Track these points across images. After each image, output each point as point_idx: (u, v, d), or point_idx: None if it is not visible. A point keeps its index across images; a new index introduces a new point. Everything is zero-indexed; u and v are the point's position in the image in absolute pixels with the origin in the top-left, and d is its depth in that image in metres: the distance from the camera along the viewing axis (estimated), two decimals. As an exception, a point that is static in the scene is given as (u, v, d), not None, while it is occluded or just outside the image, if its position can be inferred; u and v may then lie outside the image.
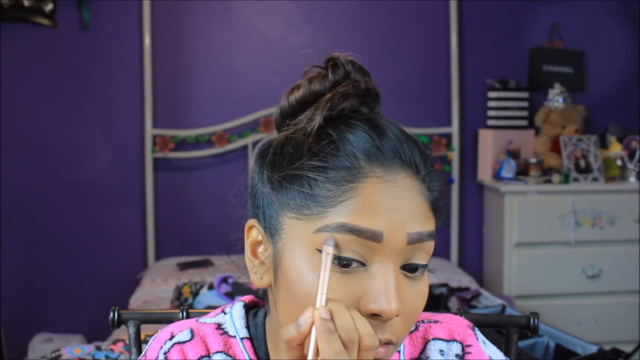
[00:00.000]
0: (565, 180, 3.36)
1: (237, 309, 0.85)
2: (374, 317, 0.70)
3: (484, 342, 0.88)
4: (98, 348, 2.01)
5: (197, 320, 0.84)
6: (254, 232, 0.79)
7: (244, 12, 3.49)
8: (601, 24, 3.68)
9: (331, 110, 0.75)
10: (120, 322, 1.12)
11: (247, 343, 0.81)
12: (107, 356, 1.97)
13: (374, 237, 0.70)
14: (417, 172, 0.74)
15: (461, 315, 1.01)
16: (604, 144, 3.55)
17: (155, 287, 3.01)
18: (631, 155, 3.46)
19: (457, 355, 0.85)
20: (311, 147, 0.74)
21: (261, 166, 0.79)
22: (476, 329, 0.89)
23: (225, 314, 0.85)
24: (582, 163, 3.40)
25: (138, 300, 2.89)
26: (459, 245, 3.65)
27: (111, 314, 1.11)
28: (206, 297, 2.54)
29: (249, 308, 0.86)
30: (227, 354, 0.80)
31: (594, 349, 2.27)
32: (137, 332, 1.12)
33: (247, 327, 0.83)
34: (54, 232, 3.40)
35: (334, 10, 3.53)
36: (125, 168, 3.45)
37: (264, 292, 0.83)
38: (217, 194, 3.37)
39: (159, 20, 3.41)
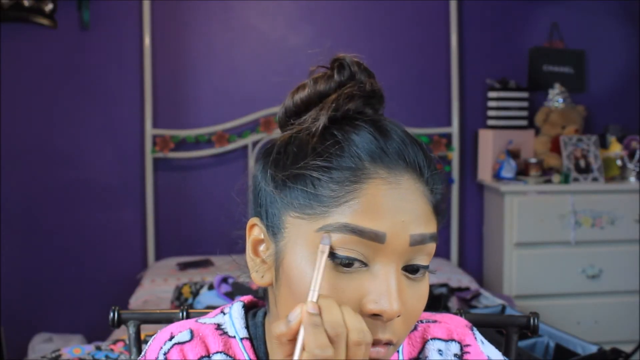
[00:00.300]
0: (565, 180, 3.36)
1: (236, 309, 0.85)
2: (375, 317, 0.70)
3: (483, 342, 0.88)
4: (98, 348, 2.01)
5: (196, 321, 0.84)
6: (255, 231, 0.79)
7: (244, 12, 3.49)
8: (601, 24, 3.67)
9: (336, 111, 0.76)
10: (120, 322, 1.12)
11: (247, 343, 0.82)
12: (107, 356, 1.97)
13: (376, 238, 0.70)
14: (420, 174, 0.74)
15: (461, 316, 1.01)
16: (604, 144, 3.55)
17: (155, 287, 3.01)
18: (631, 155, 3.46)
19: (455, 355, 0.86)
20: (316, 147, 0.74)
21: (265, 165, 0.79)
22: (475, 328, 0.89)
23: (224, 314, 0.85)
24: (582, 163, 3.40)
25: (138, 300, 2.89)
26: (459, 245, 3.65)
27: (111, 314, 1.11)
28: (206, 297, 2.54)
29: (248, 308, 0.86)
30: (227, 354, 0.80)
31: (594, 349, 2.26)
32: (137, 332, 1.13)
33: (247, 327, 0.83)
34: (54, 232, 3.40)
35: (334, 10, 3.53)
36: (125, 168, 3.45)
37: (264, 292, 0.83)
38: (217, 194, 3.37)
39: (159, 20, 3.41)
